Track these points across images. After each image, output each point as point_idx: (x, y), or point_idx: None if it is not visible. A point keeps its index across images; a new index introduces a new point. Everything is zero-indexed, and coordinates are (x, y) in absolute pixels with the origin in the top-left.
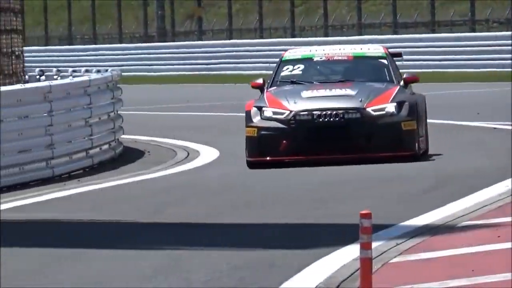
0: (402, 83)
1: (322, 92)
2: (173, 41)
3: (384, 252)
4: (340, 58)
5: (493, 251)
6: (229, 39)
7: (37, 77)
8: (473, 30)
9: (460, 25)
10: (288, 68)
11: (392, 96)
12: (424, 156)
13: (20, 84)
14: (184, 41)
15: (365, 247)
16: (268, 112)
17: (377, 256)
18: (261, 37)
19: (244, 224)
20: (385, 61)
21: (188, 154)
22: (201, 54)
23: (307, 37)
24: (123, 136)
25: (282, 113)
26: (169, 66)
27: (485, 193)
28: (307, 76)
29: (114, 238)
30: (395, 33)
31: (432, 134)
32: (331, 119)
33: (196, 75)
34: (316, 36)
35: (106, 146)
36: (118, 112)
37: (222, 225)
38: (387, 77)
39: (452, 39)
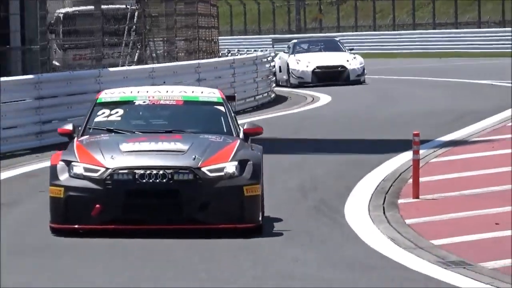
0: (241, 135)
1: (146, 145)
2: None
3: (426, 156)
4: (167, 102)
5: (490, 155)
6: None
7: (226, 54)
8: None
9: None
10: (104, 113)
11: (233, 153)
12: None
13: (216, 58)
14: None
15: (415, 152)
16: (78, 168)
17: (422, 158)
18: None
19: (344, 140)
20: (221, 108)
21: (313, 99)
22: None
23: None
24: (275, 88)
25: (95, 170)
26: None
27: (486, 121)
28: (127, 124)
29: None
30: None
31: (448, 88)
32: (157, 180)
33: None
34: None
35: (265, 94)
36: (272, 72)
37: (329, 140)
38: (225, 127)
39: None
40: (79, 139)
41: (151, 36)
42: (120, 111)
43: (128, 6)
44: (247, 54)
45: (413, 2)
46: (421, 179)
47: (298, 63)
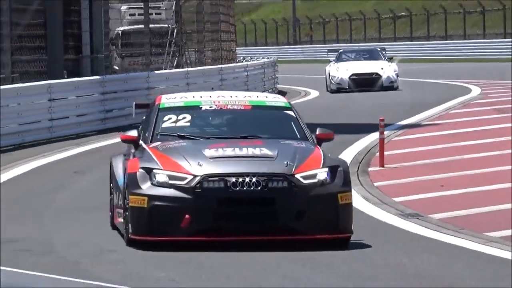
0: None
1: (230, 151)
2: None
3: (389, 135)
4: (235, 107)
5: (436, 135)
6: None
7: (242, 60)
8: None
9: None
10: (170, 118)
11: (322, 159)
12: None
13: (234, 64)
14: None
15: (381, 133)
16: (162, 176)
17: (386, 137)
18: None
19: (328, 123)
20: (291, 113)
21: (305, 93)
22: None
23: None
24: (278, 85)
25: (182, 178)
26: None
27: (433, 110)
28: (198, 130)
29: None
30: None
31: (411, 85)
32: (251, 188)
33: None
34: None
35: (270, 90)
36: (276, 75)
37: (315, 124)
38: (298, 133)
39: None
40: (151, 145)
41: (186, 48)
42: (188, 116)
43: (169, 25)
44: (257, 60)
45: (379, 21)
46: (386, 153)
47: (337, 70)
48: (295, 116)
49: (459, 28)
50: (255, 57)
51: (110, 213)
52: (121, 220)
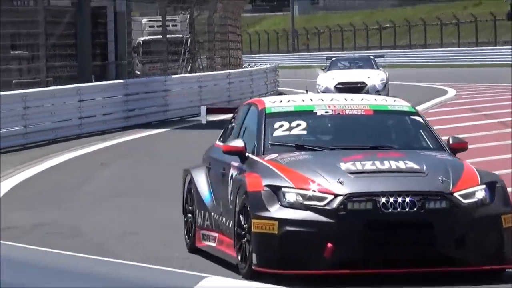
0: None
1: (370, 165)
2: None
3: None
4: (354, 112)
5: None
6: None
7: (247, 66)
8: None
9: None
10: (282, 126)
11: (478, 175)
12: None
13: (241, 69)
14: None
15: None
16: (293, 195)
17: None
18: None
19: None
20: (419, 119)
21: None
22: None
23: None
24: (279, 88)
25: (321, 198)
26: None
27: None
28: (317, 139)
29: None
30: None
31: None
32: (405, 210)
33: None
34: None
35: (272, 91)
36: (277, 79)
37: None
38: (431, 142)
39: None
40: (267, 158)
41: (199, 55)
42: (302, 123)
43: (184, 36)
44: (260, 66)
45: (367, 32)
46: None
47: (324, 79)
48: (423, 122)
49: (437, 37)
50: (259, 63)
51: (186, 235)
52: (210, 244)
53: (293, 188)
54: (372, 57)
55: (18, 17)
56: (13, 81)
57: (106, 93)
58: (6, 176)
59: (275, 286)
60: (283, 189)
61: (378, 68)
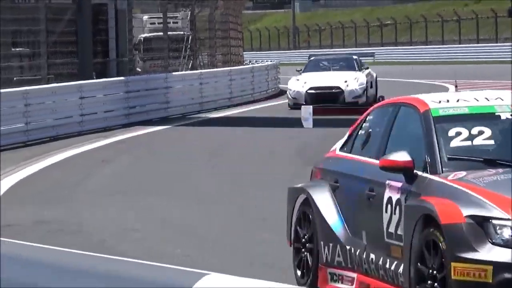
0: None
1: None
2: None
3: None
4: None
5: None
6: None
7: (248, 63)
8: None
9: None
10: (459, 134)
11: None
12: None
13: (242, 66)
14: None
15: None
16: (508, 230)
17: None
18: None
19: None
20: None
21: None
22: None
23: None
24: (280, 85)
25: None
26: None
27: None
28: (505, 151)
29: None
30: None
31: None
32: None
33: None
34: None
35: (273, 89)
36: (278, 76)
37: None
38: None
39: None
40: (454, 178)
41: (200, 52)
42: (485, 130)
43: (185, 33)
44: (261, 63)
45: (368, 29)
46: None
47: (296, 82)
48: None
49: (438, 34)
50: (260, 60)
51: (299, 270)
52: (345, 286)
53: (508, 219)
54: (355, 57)
55: (19, 14)
56: (14, 78)
57: (107, 91)
58: (7, 174)
59: (279, 284)
60: (494, 221)
61: (360, 70)
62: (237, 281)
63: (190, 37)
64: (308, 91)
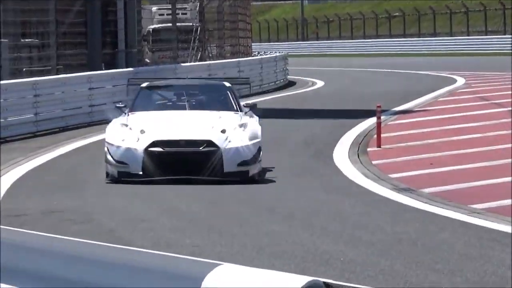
0: None
1: None
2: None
3: (385, 120)
4: None
5: (427, 119)
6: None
7: (257, 55)
8: None
9: None
10: None
11: None
12: None
13: (250, 57)
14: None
15: (378, 118)
16: None
17: (382, 121)
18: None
19: (332, 110)
20: None
21: (313, 83)
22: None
23: None
24: (288, 76)
25: None
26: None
27: (424, 98)
28: None
29: None
30: None
31: (400, 76)
32: None
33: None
34: None
35: (282, 80)
36: (286, 67)
37: (322, 110)
38: None
39: None
40: None
41: (208, 43)
42: None
43: (193, 24)
44: (270, 54)
45: (376, 21)
46: (382, 135)
47: (121, 131)
48: None
49: (446, 26)
50: (269, 52)
51: None
52: None
53: None
54: (228, 85)
55: (29, 5)
56: (24, 69)
57: (115, 81)
58: (17, 164)
59: (291, 274)
60: None
61: (240, 110)
62: (250, 272)
63: (198, 28)
64: (149, 149)
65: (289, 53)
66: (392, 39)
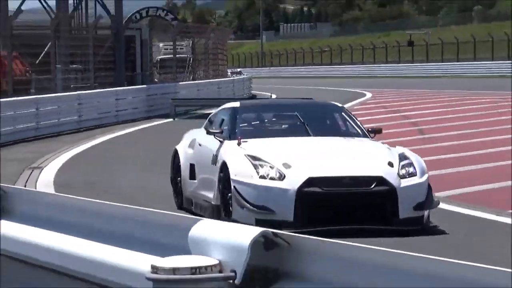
0: None
1: None
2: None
3: None
4: None
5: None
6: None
7: (231, 76)
8: None
9: None
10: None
11: None
12: None
13: (226, 78)
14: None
15: None
16: None
17: None
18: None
19: None
20: None
21: (270, 96)
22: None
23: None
24: (252, 91)
25: None
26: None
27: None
28: None
29: None
30: None
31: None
32: None
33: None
34: None
35: (248, 93)
36: (251, 85)
37: None
38: None
39: None
40: None
41: (198, 69)
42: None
43: (188, 56)
44: (240, 76)
45: (312, 54)
46: None
47: (256, 165)
48: None
49: (370, 56)
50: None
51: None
52: None
53: None
54: (340, 105)
55: (75, 42)
56: (71, 86)
57: (134, 94)
58: (65, 151)
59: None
60: None
61: (367, 135)
62: (222, 225)
63: (191, 59)
64: (304, 190)
65: (254, 76)
66: (323, 66)
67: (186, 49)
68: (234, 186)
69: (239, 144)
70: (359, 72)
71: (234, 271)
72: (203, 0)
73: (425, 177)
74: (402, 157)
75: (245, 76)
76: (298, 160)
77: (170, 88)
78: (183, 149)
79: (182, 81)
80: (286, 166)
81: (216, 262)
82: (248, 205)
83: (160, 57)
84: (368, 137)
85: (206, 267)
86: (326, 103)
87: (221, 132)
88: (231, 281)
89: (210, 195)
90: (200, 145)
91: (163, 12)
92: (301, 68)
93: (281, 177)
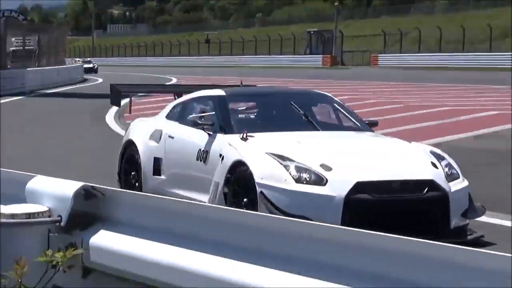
0: None
1: None
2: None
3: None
4: None
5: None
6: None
7: (82, 63)
8: None
9: None
10: None
11: None
12: None
13: (63, 66)
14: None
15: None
16: None
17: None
18: None
19: None
20: None
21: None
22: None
23: None
24: (85, 76)
25: None
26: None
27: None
28: None
29: None
30: None
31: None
32: None
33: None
34: None
35: (79, 78)
36: (83, 72)
37: None
38: None
39: None
40: None
41: (43, 58)
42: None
43: (34, 48)
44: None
45: (132, 48)
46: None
47: (286, 166)
48: None
49: (251, 48)
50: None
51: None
52: None
53: None
54: (330, 95)
55: None
56: None
57: None
58: None
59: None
60: None
61: (370, 128)
62: (56, 181)
63: (37, 50)
64: (353, 197)
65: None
66: (142, 58)
67: (33, 43)
68: (262, 191)
69: (245, 139)
70: (172, 63)
71: (60, 216)
72: (48, 1)
73: (465, 180)
74: (438, 156)
75: (78, 64)
76: (339, 161)
77: (19, 73)
78: (142, 141)
79: (29, 68)
80: (326, 168)
81: (46, 209)
82: (280, 214)
83: (12, 48)
84: (372, 131)
85: (38, 213)
86: (319, 93)
87: (212, 125)
88: (58, 223)
89: (196, 196)
90: (171, 137)
91: (15, 14)
92: (123, 59)
93: (322, 182)
